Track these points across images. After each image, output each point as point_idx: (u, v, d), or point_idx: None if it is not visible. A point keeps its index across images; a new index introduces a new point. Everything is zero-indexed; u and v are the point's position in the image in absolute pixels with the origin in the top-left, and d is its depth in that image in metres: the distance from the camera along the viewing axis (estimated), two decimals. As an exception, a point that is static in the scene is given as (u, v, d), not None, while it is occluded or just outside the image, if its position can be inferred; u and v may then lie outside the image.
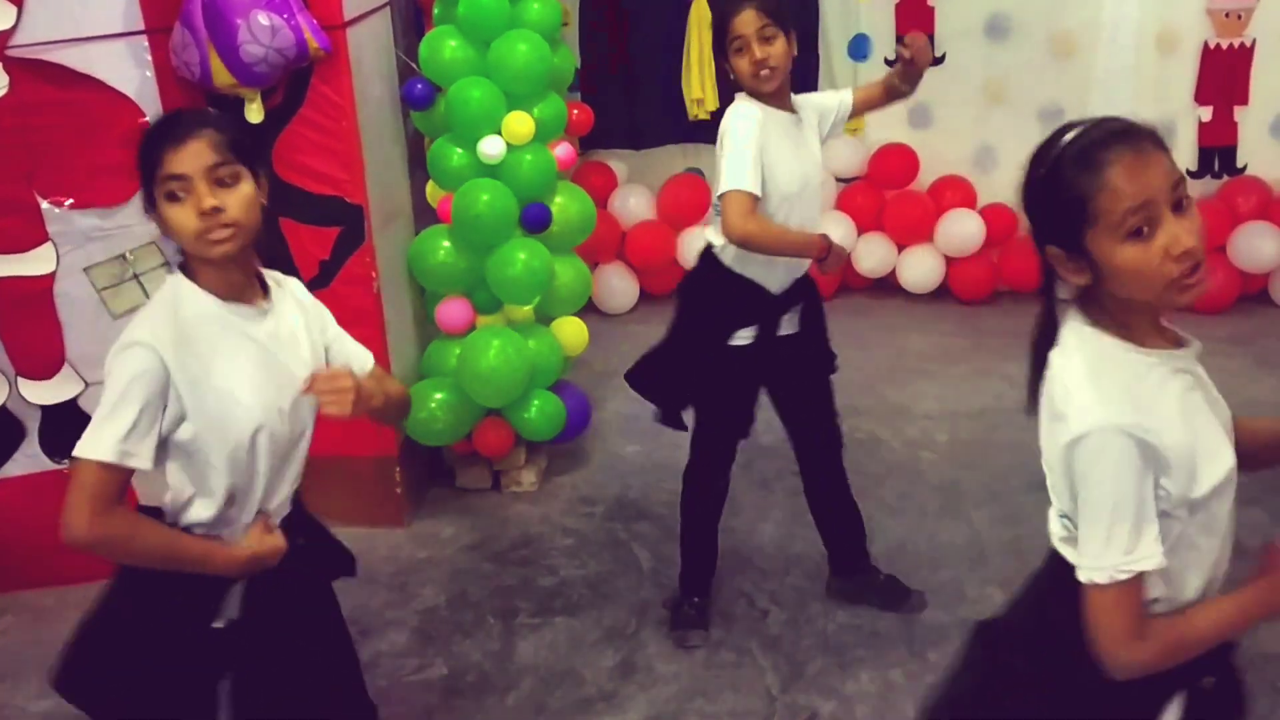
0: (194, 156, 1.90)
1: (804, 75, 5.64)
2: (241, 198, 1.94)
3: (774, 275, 2.99)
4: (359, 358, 2.27)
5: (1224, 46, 5.32)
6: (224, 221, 1.91)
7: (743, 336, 3.01)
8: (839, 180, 5.69)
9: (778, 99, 2.92)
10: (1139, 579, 1.52)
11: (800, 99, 3.01)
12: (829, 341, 3.20)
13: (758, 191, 2.81)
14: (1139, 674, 1.56)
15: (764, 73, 2.82)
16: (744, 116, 2.87)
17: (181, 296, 2.00)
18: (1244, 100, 5.38)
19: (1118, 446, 1.49)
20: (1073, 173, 1.50)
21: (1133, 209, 1.47)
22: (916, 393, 4.74)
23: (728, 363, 3.04)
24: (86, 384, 3.46)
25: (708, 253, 3.04)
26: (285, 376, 2.05)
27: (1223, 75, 5.35)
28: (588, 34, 5.65)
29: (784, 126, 2.93)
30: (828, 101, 3.11)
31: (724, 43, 2.86)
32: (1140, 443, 1.49)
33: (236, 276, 2.03)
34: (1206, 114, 5.42)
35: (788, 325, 3.06)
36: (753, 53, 2.80)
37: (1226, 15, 5.27)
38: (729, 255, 2.97)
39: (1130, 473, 1.49)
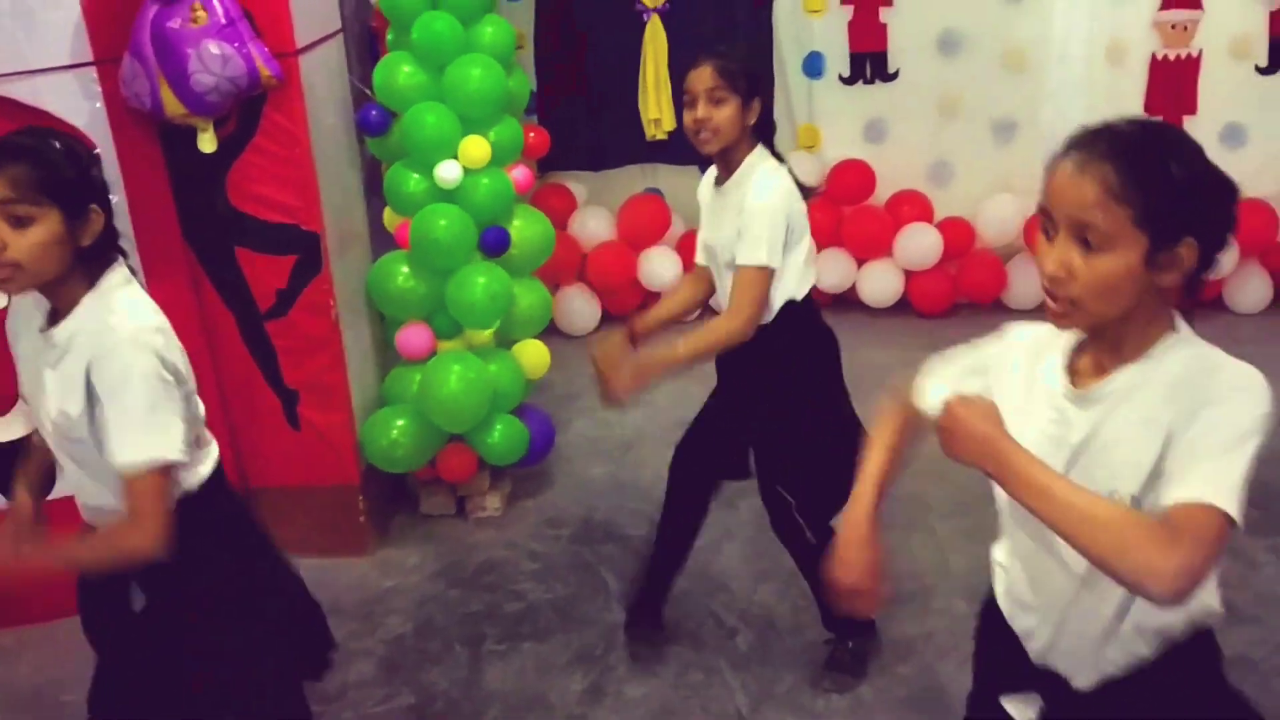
0: None
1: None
2: (30, 241, 1.89)
3: (718, 302, 2.98)
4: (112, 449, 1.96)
5: (1171, 58, 5.40)
6: (3, 260, 1.89)
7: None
8: (797, 197, 5.71)
9: (720, 163, 2.86)
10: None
11: (741, 182, 2.81)
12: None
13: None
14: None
15: (702, 134, 2.74)
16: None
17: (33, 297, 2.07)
18: (1192, 110, 5.45)
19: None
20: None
21: (1041, 207, 1.52)
22: (879, 406, 4.73)
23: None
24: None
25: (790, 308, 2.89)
26: (45, 403, 2.03)
27: (1171, 86, 5.43)
28: (543, 56, 5.66)
29: (713, 190, 2.92)
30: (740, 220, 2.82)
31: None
32: None
33: (49, 301, 2.02)
34: (1157, 124, 5.48)
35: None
36: (696, 111, 2.73)
37: (1173, 27, 5.35)
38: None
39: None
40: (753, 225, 2.71)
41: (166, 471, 1.96)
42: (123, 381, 1.92)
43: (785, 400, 2.91)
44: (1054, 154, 1.53)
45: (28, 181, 1.88)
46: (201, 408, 2.16)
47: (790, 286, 2.84)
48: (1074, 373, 1.62)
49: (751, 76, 2.76)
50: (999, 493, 1.67)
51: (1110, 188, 1.43)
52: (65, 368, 1.98)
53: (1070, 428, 1.59)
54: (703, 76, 2.72)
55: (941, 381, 1.80)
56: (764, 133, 2.84)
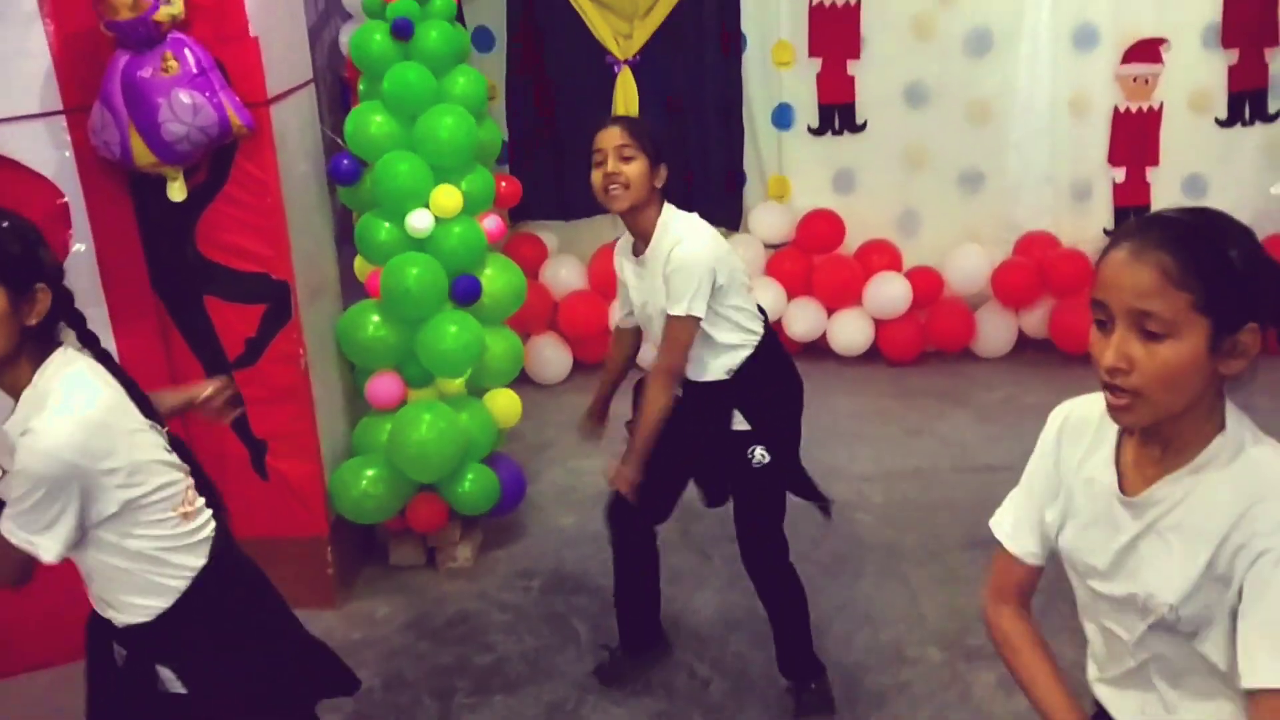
0: None
1: (729, 146, 5.74)
2: None
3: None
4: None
5: (1133, 110, 5.49)
6: None
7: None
8: (767, 247, 5.76)
9: (630, 222, 2.92)
10: None
11: (659, 243, 2.87)
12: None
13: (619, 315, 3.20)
14: None
15: (612, 188, 2.81)
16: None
17: None
18: (1155, 161, 5.54)
19: None
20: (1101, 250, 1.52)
21: (1095, 299, 1.48)
22: (850, 454, 4.76)
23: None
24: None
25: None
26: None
27: (1134, 138, 5.52)
28: (515, 107, 5.70)
29: (630, 262, 3.01)
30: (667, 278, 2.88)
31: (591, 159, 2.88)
32: None
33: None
34: (1120, 175, 5.58)
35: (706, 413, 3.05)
36: (607, 166, 2.81)
37: (1134, 80, 5.45)
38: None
39: None
40: (675, 278, 2.80)
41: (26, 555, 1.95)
42: (21, 480, 1.90)
43: (762, 421, 2.98)
44: (1102, 247, 1.51)
45: None
46: (186, 483, 2.13)
47: (743, 320, 2.93)
48: (1121, 467, 1.60)
49: (658, 142, 2.86)
50: (1077, 590, 1.69)
51: (1168, 273, 1.41)
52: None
53: (1117, 530, 1.58)
54: (611, 135, 2.83)
55: (1014, 525, 1.78)
56: (679, 199, 2.94)
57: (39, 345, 1.96)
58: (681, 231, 2.83)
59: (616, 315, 3.28)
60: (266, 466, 3.67)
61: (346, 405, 4.01)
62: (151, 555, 2.03)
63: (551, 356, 5.66)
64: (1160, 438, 1.53)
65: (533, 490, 4.44)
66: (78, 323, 2.05)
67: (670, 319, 2.84)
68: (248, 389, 3.60)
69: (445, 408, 3.77)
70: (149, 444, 2.04)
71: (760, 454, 2.93)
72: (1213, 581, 1.48)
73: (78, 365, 2.00)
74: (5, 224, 1.93)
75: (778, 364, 3.05)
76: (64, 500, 1.91)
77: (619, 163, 2.80)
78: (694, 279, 2.78)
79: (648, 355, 3.05)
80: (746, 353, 2.94)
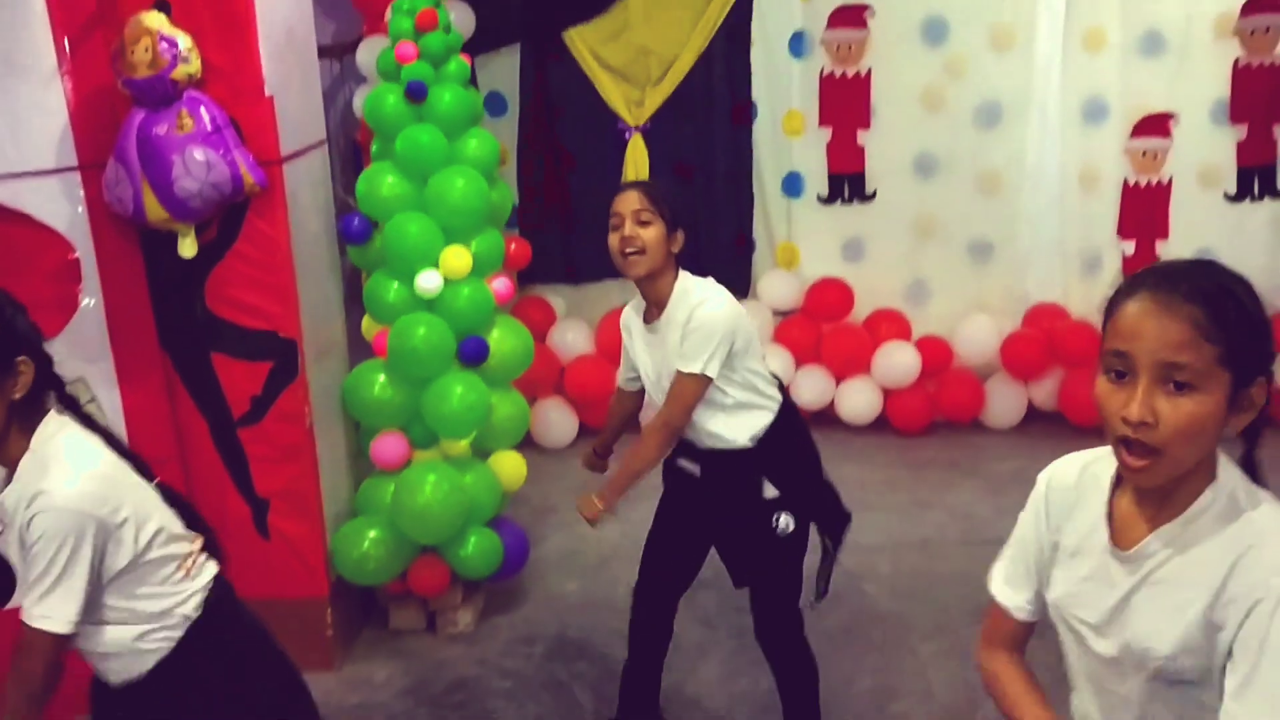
0: None
1: (738, 213, 5.76)
2: None
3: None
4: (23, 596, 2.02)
5: (1143, 184, 5.51)
6: None
7: (685, 462, 3.01)
8: (776, 314, 5.76)
9: (645, 287, 2.89)
10: None
11: (676, 307, 2.84)
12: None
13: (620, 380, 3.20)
14: None
15: (629, 252, 2.79)
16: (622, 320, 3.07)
17: None
18: (1164, 234, 5.55)
19: None
20: (1113, 295, 1.49)
21: (1114, 350, 1.45)
22: (858, 524, 4.62)
23: (669, 474, 3.10)
24: (3, 526, 3.32)
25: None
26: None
27: (1143, 211, 5.53)
28: (526, 171, 5.73)
29: (641, 328, 2.98)
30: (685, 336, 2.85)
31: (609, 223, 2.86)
32: None
33: None
34: (1130, 248, 5.58)
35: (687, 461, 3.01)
36: (624, 230, 2.79)
37: (1143, 154, 5.47)
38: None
39: None
40: (695, 336, 2.76)
41: (51, 637, 1.95)
42: (41, 545, 1.91)
43: (789, 487, 2.92)
44: (1112, 297, 1.49)
45: None
46: (183, 536, 2.11)
47: (759, 384, 2.89)
48: (1114, 519, 1.59)
49: (675, 207, 2.84)
50: (1069, 649, 1.68)
51: (1199, 325, 1.39)
52: (13, 536, 1.97)
53: (1112, 586, 1.56)
54: (629, 200, 2.81)
55: (1005, 581, 1.80)
56: (687, 265, 2.91)
57: (28, 414, 1.98)
58: (703, 294, 2.80)
59: (619, 378, 3.26)
60: (268, 525, 3.64)
61: (350, 465, 3.98)
62: (154, 612, 2.01)
63: (557, 420, 5.64)
64: (1158, 491, 1.52)
65: (536, 555, 4.39)
66: (58, 386, 2.05)
67: (681, 375, 2.78)
68: (252, 447, 3.59)
69: (450, 469, 3.74)
70: (148, 498, 2.04)
71: (785, 521, 2.87)
72: (1207, 631, 1.46)
73: (71, 428, 2.03)
74: None
75: (799, 431, 3.01)
76: (82, 558, 1.92)
77: (636, 227, 2.78)
78: (713, 339, 2.74)
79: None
80: (768, 418, 2.89)
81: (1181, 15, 5.32)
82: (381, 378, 3.76)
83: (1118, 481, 1.60)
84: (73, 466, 1.95)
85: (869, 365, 5.57)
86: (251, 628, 2.29)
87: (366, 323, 3.96)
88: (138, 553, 2.00)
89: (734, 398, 2.85)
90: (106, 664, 2.08)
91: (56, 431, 1.99)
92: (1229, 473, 1.51)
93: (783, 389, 3.00)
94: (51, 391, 2.04)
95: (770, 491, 2.88)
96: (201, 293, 3.46)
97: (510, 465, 4.08)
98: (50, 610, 1.93)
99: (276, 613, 3.60)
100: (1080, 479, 1.65)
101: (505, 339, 3.95)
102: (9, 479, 2.00)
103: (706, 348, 2.75)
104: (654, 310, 2.91)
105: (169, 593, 2.05)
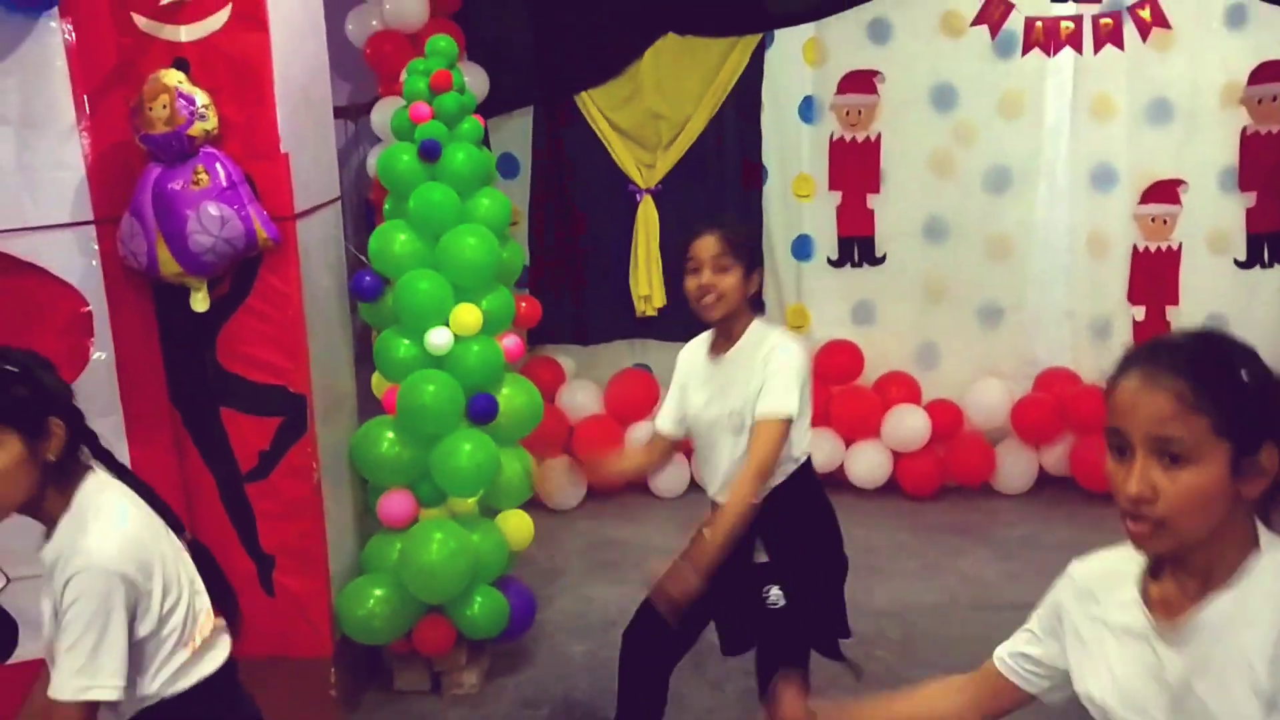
0: None
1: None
2: None
3: (701, 470, 2.95)
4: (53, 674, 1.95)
5: (1152, 249, 5.52)
6: None
7: None
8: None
9: (720, 332, 2.89)
10: None
11: (750, 345, 2.86)
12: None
13: (663, 427, 3.04)
14: None
15: (707, 299, 2.78)
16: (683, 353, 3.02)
17: None
18: (1174, 300, 5.55)
19: None
20: (1111, 375, 1.50)
21: (1110, 427, 1.46)
22: (867, 588, 4.65)
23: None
24: (8, 579, 3.31)
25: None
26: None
27: (1153, 276, 5.54)
28: (537, 231, 5.76)
29: (706, 360, 2.93)
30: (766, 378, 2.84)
31: (685, 265, 2.83)
32: None
33: (37, 519, 1.98)
34: (1140, 313, 5.57)
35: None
36: (701, 277, 2.78)
37: (1153, 220, 5.49)
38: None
39: None
40: (781, 377, 2.74)
41: (92, 708, 1.90)
42: (78, 609, 1.88)
43: (782, 557, 2.87)
44: (1111, 375, 1.50)
45: None
46: (202, 609, 2.09)
47: (803, 444, 2.88)
48: (1152, 604, 1.55)
49: (753, 249, 2.85)
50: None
51: (1184, 398, 1.40)
52: (51, 592, 1.95)
53: (1163, 669, 1.51)
54: (708, 244, 2.78)
55: (1013, 648, 1.78)
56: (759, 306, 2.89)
57: (64, 473, 1.96)
58: (782, 338, 2.82)
59: (660, 421, 3.10)
60: (273, 582, 3.61)
61: (357, 522, 3.96)
62: (147, 694, 1.99)
63: (565, 481, 5.61)
64: (1194, 565, 1.48)
65: (542, 616, 4.34)
66: (90, 439, 2.04)
67: (768, 420, 2.74)
68: (259, 503, 3.57)
69: (457, 527, 3.72)
70: (181, 564, 2.03)
71: (776, 595, 2.80)
72: (1272, 705, 1.41)
73: (112, 487, 2.02)
74: (7, 366, 1.92)
75: (811, 497, 2.95)
76: (118, 621, 1.89)
77: (714, 274, 2.76)
78: (796, 381, 2.75)
79: (666, 479, 2.98)
80: (781, 477, 2.86)
81: (1188, 83, 5.36)
82: (390, 434, 3.75)
83: (1154, 570, 1.57)
84: (111, 527, 1.93)
85: (879, 428, 5.55)
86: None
87: (376, 379, 3.96)
88: (158, 622, 1.97)
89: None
90: None
91: (97, 493, 1.98)
92: (1274, 543, 1.48)
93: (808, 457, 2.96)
94: (85, 447, 2.03)
95: (760, 556, 2.83)
96: (213, 347, 3.47)
97: (517, 524, 4.05)
98: (94, 679, 1.87)
99: (280, 671, 3.59)
100: (1109, 568, 1.63)
101: (514, 397, 3.95)
102: (48, 535, 1.98)
103: (791, 389, 2.74)
104: (722, 343, 2.89)
105: (171, 676, 2.02)
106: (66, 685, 1.87)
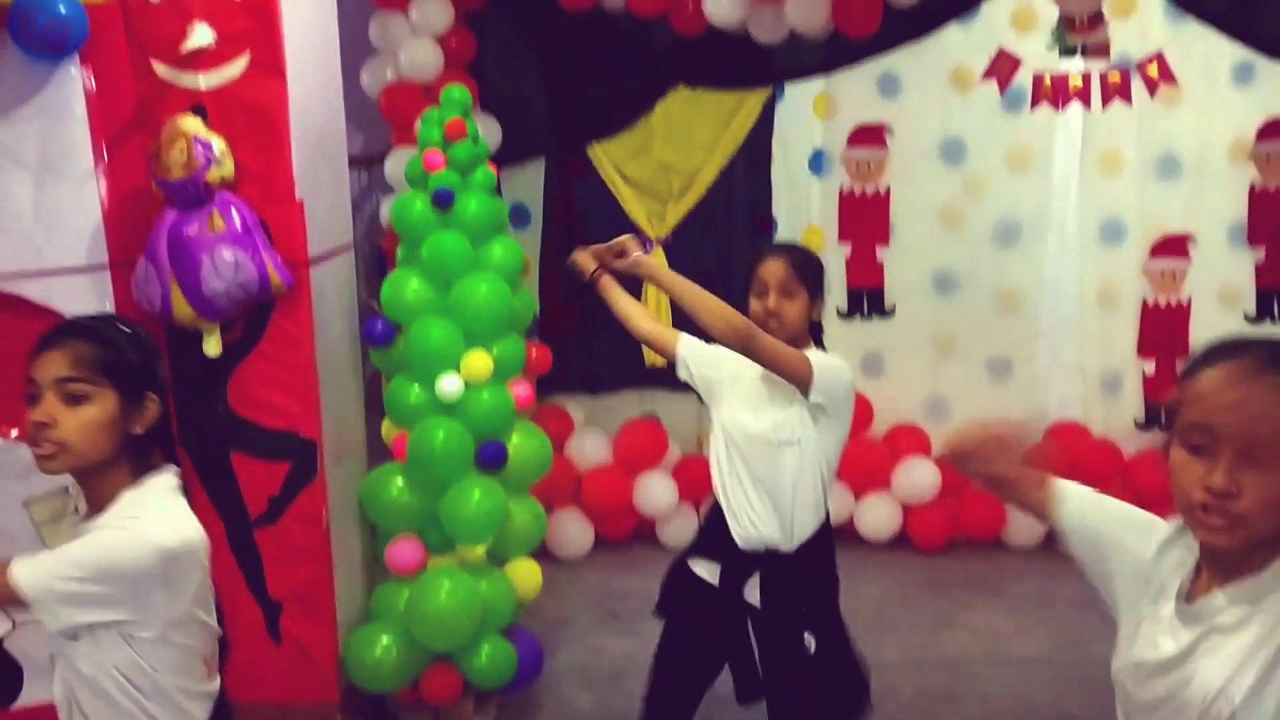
0: (48, 365, 1.87)
1: (759, 325, 5.78)
2: (81, 419, 1.86)
3: (735, 514, 2.87)
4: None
5: (1161, 304, 5.53)
6: (49, 438, 1.85)
7: (702, 567, 2.92)
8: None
9: None
10: None
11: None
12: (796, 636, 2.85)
13: (680, 347, 2.97)
14: None
15: (770, 324, 2.74)
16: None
17: None
18: (1185, 354, 5.49)
19: None
20: (1190, 366, 1.49)
21: (1194, 422, 1.44)
22: (878, 642, 4.60)
23: (682, 582, 2.95)
24: (14, 623, 3.29)
25: None
26: None
27: (1163, 331, 5.54)
28: (547, 282, 5.78)
29: (754, 377, 2.86)
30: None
31: (750, 282, 2.82)
32: None
33: (87, 491, 1.95)
34: (1150, 367, 5.57)
35: (751, 593, 2.86)
36: (767, 301, 2.77)
37: (1162, 275, 5.50)
38: (712, 467, 2.92)
39: None
40: (827, 368, 2.71)
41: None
42: (97, 539, 1.86)
43: (815, 603, 2.87)
44: (1188, 369, 1.49)
45: (88, 360, 1.87)
46: (211, 630, 2.06)
47: (830, 480, 2.85)
48: (1193, 585, 1.57)
49: (819, 276, 2.84)
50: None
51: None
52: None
53: (1173, 638, 1.54)
54: (776, 268, 2.77)
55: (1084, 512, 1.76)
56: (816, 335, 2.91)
57: (138, 460, 1.95)
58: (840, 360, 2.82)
59: (681, 345, 3.03)
60: (280, 629, 3.59)
61: (364, 569, 3.94)
62: (167, 694, 1.95)
63: (573, 531, 5.58)
64: (1229, 558, 1.49)
65: (549, 667, 4.30)
66: (167, 444, 2.03)
67: (803, 356, 2.69)
68: (267, 548, 3.56)
69: (465, 575, 3.70)
70: (206, 585, 2.00)
71: (809, 641, 2.78)
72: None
73: (183, 502, 2.00)
74: (124, 328, 1.97)
75: (831, 555, 2.93)
76: (127, 596, 1.85)
77: (780, 299, 2.75)
78: (837, 383, 2.72)
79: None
80: (814, 527, 2.83)
81: (1197, 139, 5.39)
82: (400, 481, 3.74)
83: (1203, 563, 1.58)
84: (179, 521, 1.93)
85: (889, 481, 5.52)
86: None
87: (386, 426, 3.96)
88: (169, 628, 1.92)
89: (826, 479, 2.82)
90: None
91: (168, 491, 1.96)
92: None
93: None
94: (158, 449, 2.01)
95: (793, 606, 2.81)
96: (224, 392, 3.48)
97: (526, 573, 4.02)
98: (39, 569, 1.81)
99: (286, 718, 3.57)
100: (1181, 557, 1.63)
101: (524, 444, 3.94)
102: (97, 509, 1.94)
103: (826, 375, 2.69)
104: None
105: (185, 686, 1.99)
106: (33, 572, 1.82)
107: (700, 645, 2.96)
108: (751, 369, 2.81)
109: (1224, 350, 1.46)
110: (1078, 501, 1.76)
